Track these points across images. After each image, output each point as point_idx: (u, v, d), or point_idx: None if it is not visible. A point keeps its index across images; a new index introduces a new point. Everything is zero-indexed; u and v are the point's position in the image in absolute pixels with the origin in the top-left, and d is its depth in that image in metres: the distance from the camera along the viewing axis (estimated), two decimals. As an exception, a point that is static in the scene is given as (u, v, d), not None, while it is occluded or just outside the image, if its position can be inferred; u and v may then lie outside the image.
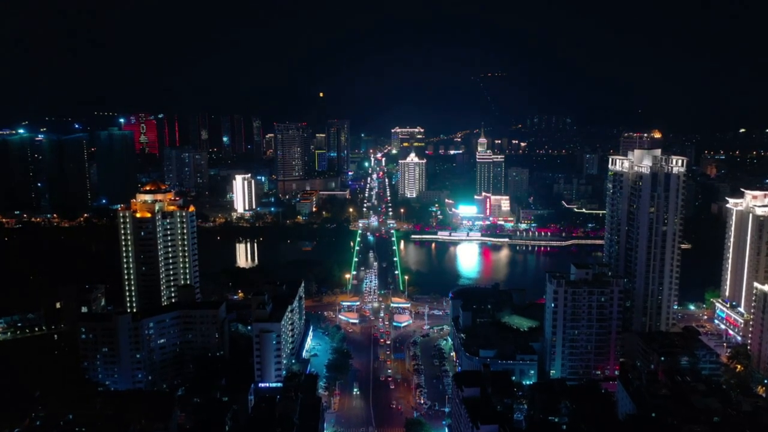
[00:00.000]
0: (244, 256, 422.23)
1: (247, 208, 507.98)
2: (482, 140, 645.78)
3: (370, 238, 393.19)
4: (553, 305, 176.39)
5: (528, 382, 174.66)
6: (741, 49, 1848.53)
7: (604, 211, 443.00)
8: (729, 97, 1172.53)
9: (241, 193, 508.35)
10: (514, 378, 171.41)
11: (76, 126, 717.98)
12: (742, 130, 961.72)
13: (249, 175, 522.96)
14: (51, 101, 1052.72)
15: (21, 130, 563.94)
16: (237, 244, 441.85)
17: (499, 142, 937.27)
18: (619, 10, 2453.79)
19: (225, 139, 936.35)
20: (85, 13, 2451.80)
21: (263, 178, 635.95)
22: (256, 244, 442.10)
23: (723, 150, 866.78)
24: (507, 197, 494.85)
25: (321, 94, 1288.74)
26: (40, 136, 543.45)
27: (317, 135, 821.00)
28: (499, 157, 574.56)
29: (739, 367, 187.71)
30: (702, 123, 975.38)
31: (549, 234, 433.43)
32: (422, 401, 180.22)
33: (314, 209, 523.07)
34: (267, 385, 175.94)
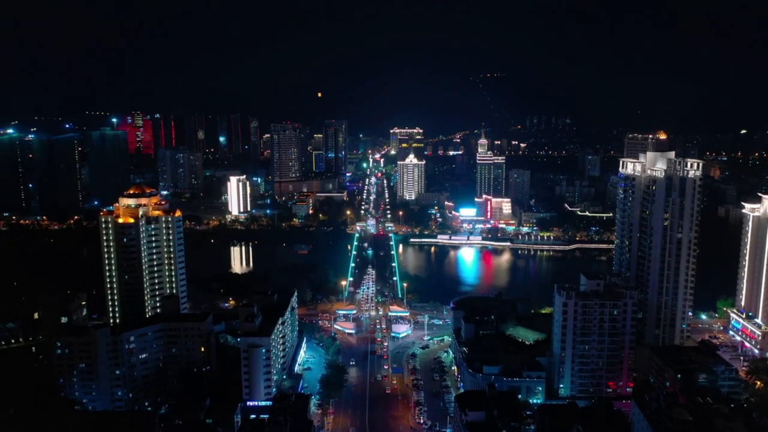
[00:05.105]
0: (238, 260, 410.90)
1: (241, 210, 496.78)
2: (482, 141, 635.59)
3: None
4: (562, 318, 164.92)
5: (535, 401, 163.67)
6: (740, 49, 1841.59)
7: (608, 214, 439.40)
8: (728, 98, 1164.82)
9: (235, 195, 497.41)
10: (520, 396, 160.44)
11: (67, 126, 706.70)
12: (743, 131, 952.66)
13: (244, 176, 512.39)
14: (42, 100, 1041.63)
15: (10, 130, 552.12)
16: (231, 248, 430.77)
17: (499, 143, 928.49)
18: (617, 10, 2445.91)
19: (222, 139, 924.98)
20: (80, 11, 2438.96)
21: (259, 179, 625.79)
22: (250, 248, 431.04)
23: (724, 151, 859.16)
24: (508, 200, 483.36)
25: (319, 94, 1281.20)
26: (30, 136, 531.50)
27: (315, 135, 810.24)
28: (500, 158, 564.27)
29: (758, 383, 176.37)
30: (702, 124, 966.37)
31: (552, 238, 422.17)
32: (422, 421, 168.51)
33: (311, 211, 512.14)
34: (255, 403, 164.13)
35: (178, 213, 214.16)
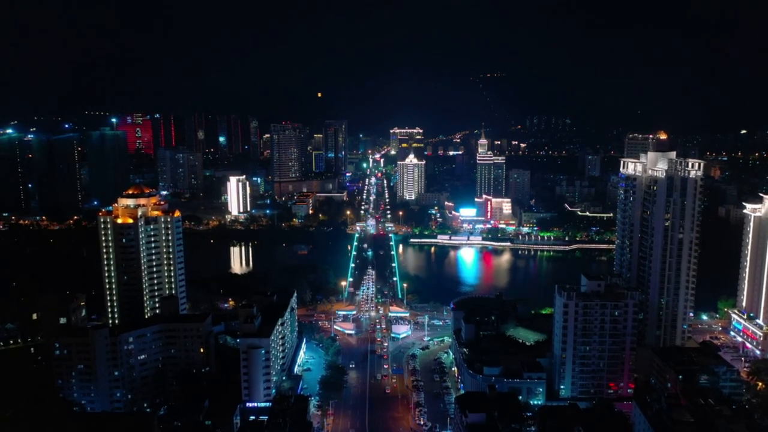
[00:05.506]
0: (237, 260, 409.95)
1: (241, 210, 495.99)
2: (483, 141, 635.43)
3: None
4: (562, 319, 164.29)
5: (536, 402, 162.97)
6: (740, 49, 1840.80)
7: (609, 215, 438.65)
8: (728, 98, 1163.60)
9: (235, 195, 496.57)
10: (520, 397, 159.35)
11: (67, 126, 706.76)
12: (743, 132, 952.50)
13: (244, 176, 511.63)
14: (41, 100, 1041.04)
15: (9, 130, 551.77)
16: (231, 248, 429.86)
17: (499, 143, 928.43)
18: (617, 11, 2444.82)
19: (222, 139, 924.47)
20: (80, 11, 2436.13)
21: (259, 179, 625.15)
22: (250, 248, 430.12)
23: (725, 151, 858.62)
24: (508, 200, 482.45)
25: (319, 94, 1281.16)
26: (30, 136, 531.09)
27: (315, 135, 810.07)
28: (500, 158, 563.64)
29: (760, 384, 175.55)
30: (702, 124, 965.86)
31: (552, 238, 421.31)
32: (422, 422, 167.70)
33: (311, 212, 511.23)
34: (255, 404, 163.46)
35: (177, 213, 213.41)
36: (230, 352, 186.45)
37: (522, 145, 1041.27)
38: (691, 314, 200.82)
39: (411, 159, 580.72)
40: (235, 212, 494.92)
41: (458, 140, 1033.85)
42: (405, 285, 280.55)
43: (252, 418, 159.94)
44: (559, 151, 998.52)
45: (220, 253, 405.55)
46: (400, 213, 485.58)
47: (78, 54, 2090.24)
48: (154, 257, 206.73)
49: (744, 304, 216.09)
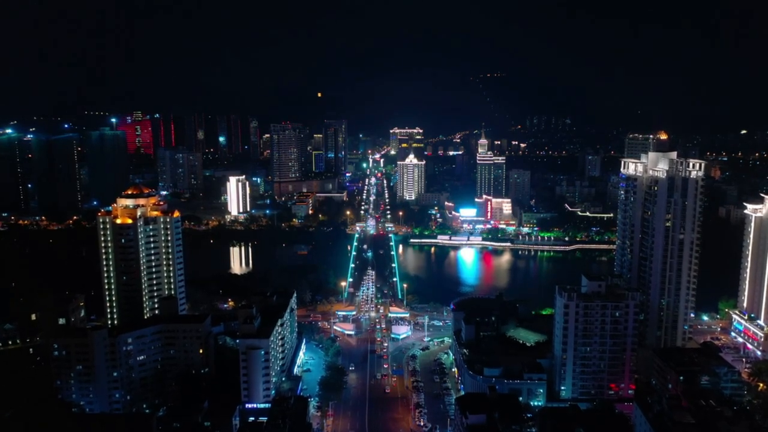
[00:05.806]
0: (237, 260, 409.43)
1: (241, 210, 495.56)
2: (483, 141, 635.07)
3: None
4: (563, 320, 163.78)
5: (536, 403, 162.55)
6: (740, 50, 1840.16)
7: (609, 215, 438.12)
8: (728, 98, 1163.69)
9: (235, 195, 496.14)
10: (521, 398, 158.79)
11: (66, 126, 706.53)
12: (743, 132, 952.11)
13: (243, 176, 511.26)
14: (41, 100, 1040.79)
15: (9, 130, 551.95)
16: (231, 248, 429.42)
17: (499, 143, 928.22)
18: (617, 11, 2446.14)
19: (222, 139, 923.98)
20: (80, 12, 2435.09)
21: (259, 179, 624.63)
22: (250, 248, 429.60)
23: (725, 151, 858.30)
24: (508, 200, 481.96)
25: (319, 94, 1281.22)
26: (29, 136, 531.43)
27: (315, 135, 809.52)
28: (500, 158, 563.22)
29: (761, 385, 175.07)
30: (702, 124, 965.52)
31: (552, 239, 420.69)
32: (422, 423, 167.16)
33: (311, 212, 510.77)
34: (254, 406, 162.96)
35: (176, 213, 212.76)
36: (229, 353, 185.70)
37: (522, 145, 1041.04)
38: (692, 315, 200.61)
39: (411, 159, 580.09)
40: (234, 212, 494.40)
41: (458, 140, 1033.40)
42: (405, 285, 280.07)
43: (251, 419, 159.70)
44: (559, 151, 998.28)
45: (219, 254, 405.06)
46: (400, 213, 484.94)
47: (78, 54, 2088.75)
48: (153, 257, 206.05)
49: (745, 304, 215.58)
